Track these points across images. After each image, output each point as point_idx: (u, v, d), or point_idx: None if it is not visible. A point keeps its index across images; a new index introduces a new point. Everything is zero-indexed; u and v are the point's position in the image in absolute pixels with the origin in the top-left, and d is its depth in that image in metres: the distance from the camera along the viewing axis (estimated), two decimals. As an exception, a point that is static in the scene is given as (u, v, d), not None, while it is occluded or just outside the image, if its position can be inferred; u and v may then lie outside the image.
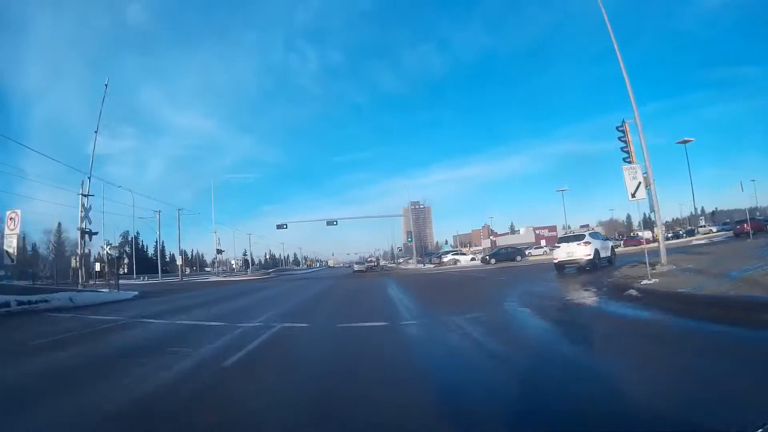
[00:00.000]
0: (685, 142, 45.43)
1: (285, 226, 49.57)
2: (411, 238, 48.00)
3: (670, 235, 49.65)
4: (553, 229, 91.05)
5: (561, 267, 17.85)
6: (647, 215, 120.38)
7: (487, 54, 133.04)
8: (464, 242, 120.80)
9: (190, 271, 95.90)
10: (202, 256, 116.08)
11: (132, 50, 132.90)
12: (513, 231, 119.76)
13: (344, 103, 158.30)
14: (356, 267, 48.38)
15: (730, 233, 38.17)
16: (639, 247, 38.26)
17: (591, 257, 17.02)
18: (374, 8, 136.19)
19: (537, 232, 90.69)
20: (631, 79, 13.45)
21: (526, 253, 49.36)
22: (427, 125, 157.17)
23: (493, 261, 36.42)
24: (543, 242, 64.65)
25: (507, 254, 38.07)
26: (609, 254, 19.08)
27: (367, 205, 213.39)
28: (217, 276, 53.03)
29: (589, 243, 17.38)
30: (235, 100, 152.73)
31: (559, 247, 18.41)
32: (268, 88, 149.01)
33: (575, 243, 17.63)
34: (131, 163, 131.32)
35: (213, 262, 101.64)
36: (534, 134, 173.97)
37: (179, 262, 53.54)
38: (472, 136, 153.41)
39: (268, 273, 59.69)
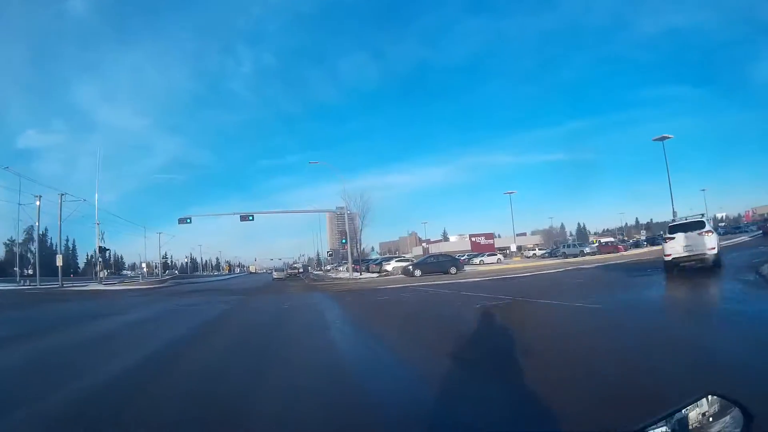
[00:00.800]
0: (662, 138, 39.14)
1: (188, 221, 38.93)
2: (346, 239, 38.18)
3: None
4: (490, 236, 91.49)
5: (674, 266, 13.76)
6: (581, 225, 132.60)
7: (422, 67, 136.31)
8: (392, 250, 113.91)
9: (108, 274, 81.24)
10: (121, 258, 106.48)
11: (67, 42, 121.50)
12: (445, 238, 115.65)
13: (276, 108, 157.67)
14: (275, 274, 42.90)
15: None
16: (618, 253, 37.86)
17: (716, 252, 13.21)
18: (312, 14, 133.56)
19: (473, 239, 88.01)
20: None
21: (474, 261, 42.18)
22: (358, 134, 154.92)
23: (418, 272, 27.60)
24: (493, 251, 60.07)
25: (438, 264, 29.15)
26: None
27: (296, 209, 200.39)
28: (98, 284, 39.17)
29: (711, 233, 13.72)
30: (166, 101, 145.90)
31: (673, 238, 13.97)
32: (199, 90, 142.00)
33: (695, 232, 13.52)
34: (61, 160, 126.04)
35: (133, 266, 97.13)
36: (467, 145, 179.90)
37: (59, 262, 39.23)
38: (403, 145, 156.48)
39: (164, 281, 45.85)
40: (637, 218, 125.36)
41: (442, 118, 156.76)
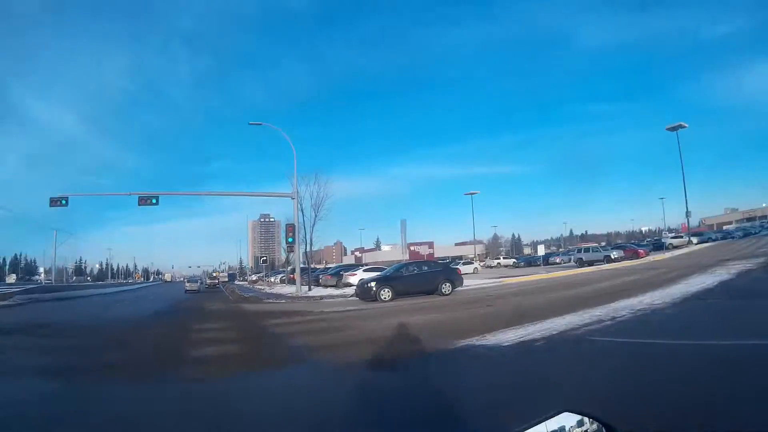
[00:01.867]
0: (677, 128, 35.81)
1: (63, 202, 25.78)
2: (293, 237, 25.03)
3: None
4: (431, 245, 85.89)
5: None
6: (515, 236, 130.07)
7: (358, 75, 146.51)
8: (315, 260, 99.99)
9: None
10: (33, 262, 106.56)
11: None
12: (377, 247, 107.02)
13: (208, 113, 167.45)
14: (188, 286, 37.10)
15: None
16: (642, 259, 28.29)
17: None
18: (253, 17, 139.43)
19: (413, 248, 77.85)
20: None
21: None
22: (291, 140, 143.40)
23: (386, 293, 15.76)
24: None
25: (422, 278, 16.74)
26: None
27: (217, 217, 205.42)
28: None
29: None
30: (97, 100, 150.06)
31: None
32: (130, 89, 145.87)
33: None
34: None
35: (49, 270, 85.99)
36: (397, 155, 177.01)
37: None
38: (333, 153, 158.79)
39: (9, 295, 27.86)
40: (571, 230, 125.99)
41: (374, 128, 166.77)
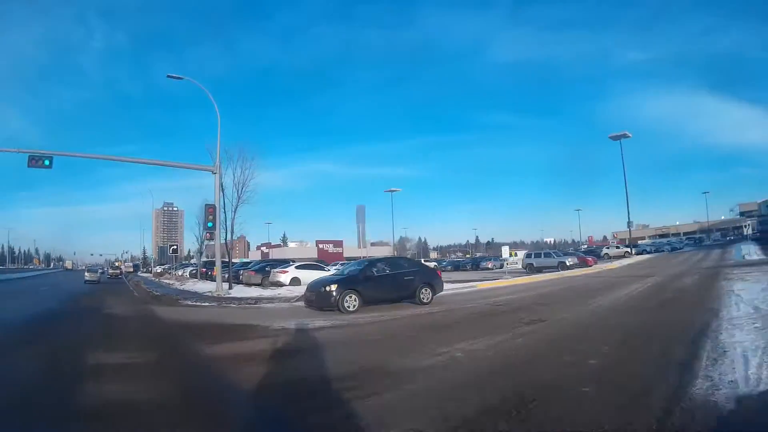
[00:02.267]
0: (620, 137, 35.53)
1: None
2: (212, 222, 19.54)
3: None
4: (339, 243, 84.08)
5: None
6: (422, 239, 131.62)
7: (273, 65, 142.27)
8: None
9: None
10: None
11: None
12: (284, 243, 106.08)
13: (118, 92, 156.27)
14: (87, 275, 34.34)
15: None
16: (591, 267, 26.91)
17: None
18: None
19: (321, 246, 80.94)
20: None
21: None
22: (197, 127, 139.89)
23: (352, 301, 11.57)
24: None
25: (393, 280, 12.48)
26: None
27: (118, 204, 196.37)
28: None
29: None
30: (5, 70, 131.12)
31: None
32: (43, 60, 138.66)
33: None
34: None
35: None
36: (309, 151, 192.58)
37: None
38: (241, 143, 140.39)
39: None
40: (477, 236, 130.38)
41: (287, 121, 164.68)
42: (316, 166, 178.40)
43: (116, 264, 69.99)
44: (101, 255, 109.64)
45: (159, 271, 51.85)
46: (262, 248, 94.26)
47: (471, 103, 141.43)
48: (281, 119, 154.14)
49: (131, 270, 66.42)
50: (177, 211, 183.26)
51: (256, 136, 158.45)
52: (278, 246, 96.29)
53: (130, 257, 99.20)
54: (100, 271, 40.10)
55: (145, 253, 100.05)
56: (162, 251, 69.17)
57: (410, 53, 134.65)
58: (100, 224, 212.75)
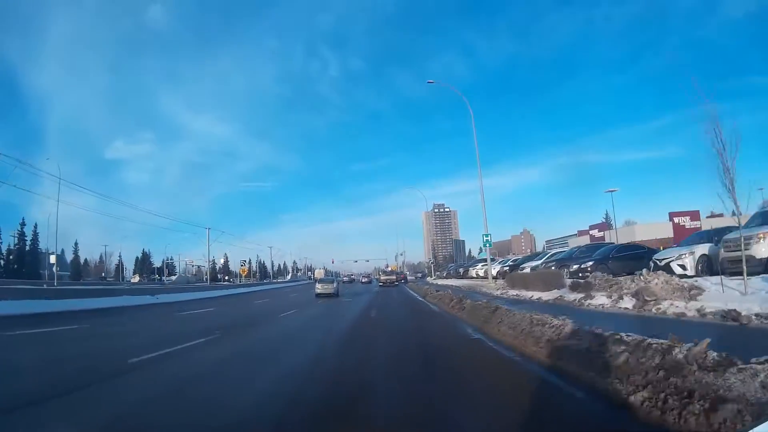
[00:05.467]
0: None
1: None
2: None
3: None
4: (696, 215, 51.95)
5: None
6: None
7: (511, 61, 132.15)
8: (502, 250, 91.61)
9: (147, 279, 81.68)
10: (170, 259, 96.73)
11: (150, 53, 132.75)
12: (607, 223, 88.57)
13: (363, 111, 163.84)
14: (319, 288, 27.18)
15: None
16: None
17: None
18: (397, 14, 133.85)
19: (676, 220, 52.64)
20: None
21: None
22: (447, 135, 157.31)
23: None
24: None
25: None
26: None
27: (384, 214, 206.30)
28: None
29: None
30: (252, 107, 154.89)
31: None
32: (286, 94, 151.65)
33: None
34: (147, 168, 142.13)
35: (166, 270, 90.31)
36: (559, 144, 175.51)
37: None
38: (495, 145, 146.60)
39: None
40: None
41: (533, 115, 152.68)
42: (565, 158, 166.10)
43: (389, 269, 59.87)
44: (368, 261, 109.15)
45: (433, 277, 49.63)
46: (592, 232, 71.95)
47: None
48: (523, 114, 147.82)
49: (396, 278, 48.42)
50: (449, 212, 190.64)
51: (503, 133, 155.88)
52: (598, 227, 74.00)
53: (403, 262, 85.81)
54: (342, 280, 35.77)
55: (427, 256, 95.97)
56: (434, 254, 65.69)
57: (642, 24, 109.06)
58: (362, 235, 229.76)
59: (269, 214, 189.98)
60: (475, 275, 33.89)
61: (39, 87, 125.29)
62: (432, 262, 52.87)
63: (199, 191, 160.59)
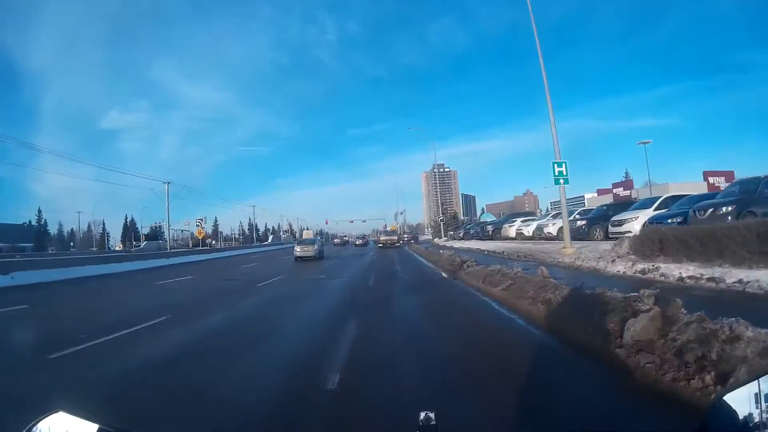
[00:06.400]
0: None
1: None
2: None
3: None
4: (730, 175, 48.32)
5: None
6: None
7: (512, 27, 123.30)
8: (503, 212, 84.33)
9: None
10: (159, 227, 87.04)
11: (145, 21, 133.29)
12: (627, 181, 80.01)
13: (362, 77, 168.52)
14: (298, 250, 24.23)
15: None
16: None
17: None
18: None
19: (711, 179, 49.66)
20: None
21: None
22: (446, 99, 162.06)
23: None
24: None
25: None
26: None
27: (383, 177, 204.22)
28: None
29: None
30: (249, 73, 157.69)
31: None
32: (283, 60, 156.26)
33: None
34: (144, 138, 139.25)
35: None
36: (559, 110, 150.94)
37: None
38: (496, 109, 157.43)
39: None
40: None
41: (533, 82, 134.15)
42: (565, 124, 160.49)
43: (389, 228, 57.71)
44: (365, 221, 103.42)
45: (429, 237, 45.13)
46: (615, 190, 62.58)
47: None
48: (526, 80, 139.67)
49: (398, 239, 45.58)
50: (450, 171, 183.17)
51: (504, 97, 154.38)
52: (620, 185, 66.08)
53: (403, 222, 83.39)
54: (333, 242, 32.11)
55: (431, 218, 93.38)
56: (437, 214, 57.16)
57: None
58: (360, 199, 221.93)
59: (266, 179, 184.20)
60: (514, 235, 23.93)
61: (34, 60, 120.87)
62: (442, 220, 42.10)
63: (197, 158, 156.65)
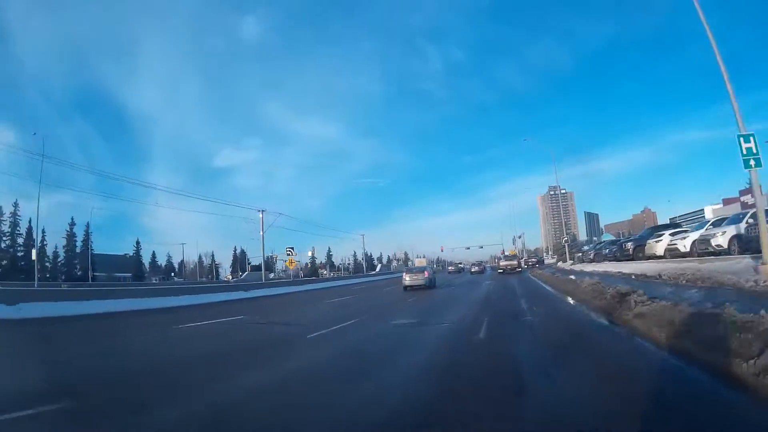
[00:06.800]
0: None
1: None
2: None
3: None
4: None
5: None
6: None
7: (612, 43, 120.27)
8: (622, 232, 78.14)
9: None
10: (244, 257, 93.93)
11: (251, 63, 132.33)
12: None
13: (470, 103, 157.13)
14: (407, 279, 22.17)
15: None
16: None
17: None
18: (493, 3, 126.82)
19: None
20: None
21: None
22: (553, 122, 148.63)
23: None
24: None
25: None
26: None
27: (498, 203, 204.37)
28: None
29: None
30: (359, 108, 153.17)
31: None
32: (391, 92, 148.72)
33: None
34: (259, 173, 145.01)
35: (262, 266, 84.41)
36: (666, 124, 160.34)
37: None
38: (603, 127, 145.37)
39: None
40: None
41: (638, 96, 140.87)
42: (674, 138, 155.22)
43: (508, 253, 53.95)
44: (482, 247, 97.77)
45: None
46: (743, 198, 49.36)
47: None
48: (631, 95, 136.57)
49: (517, 264, 40.00)
50: (566, 193, 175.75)
51: (610, 115, 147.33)
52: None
53: (522, 247, 76.05)
54: (449, 270, 29.80)
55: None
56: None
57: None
58: (471, 227, 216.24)
59: (382, 209, 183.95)
60: (662, 253, 19.01)
61: (142, 103, 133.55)
62: (566, 240, 36.76)
63: (309, 192, 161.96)
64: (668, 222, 70.09)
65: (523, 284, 21.04)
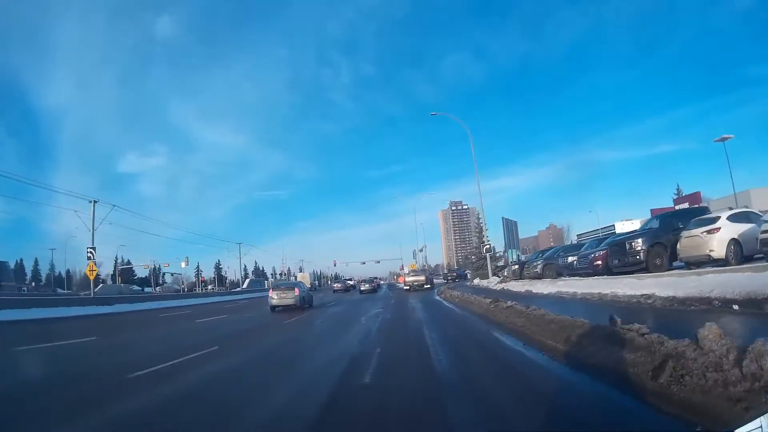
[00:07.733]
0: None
1: None
2: None
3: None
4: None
5: None
6: None
7: (525, 61, 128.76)
8: (528, 247, 75.49)
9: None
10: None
11: (160, 65, 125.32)
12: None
13: (377, 117, 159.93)
14: (274, 298, 19.89)
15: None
16: None
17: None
18: (406, 17, 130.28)
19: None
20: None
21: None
22: (462, 137, 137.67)
23: None
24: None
25: None
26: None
27: (402, 218, 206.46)
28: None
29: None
30: (265, 116, 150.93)
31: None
32: (298, 102, 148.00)
33: None
34: (161, 181, 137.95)
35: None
36: (572, 142, 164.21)
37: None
38: (511, 144, 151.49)
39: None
40: None
41: (546, 114, 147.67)
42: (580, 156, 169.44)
43: (410, 268, 50.35)
44: (378, 262, 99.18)
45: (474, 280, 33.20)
46: (680, 206, 36.26)
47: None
48: (539, 113, 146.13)
49: (425, 281, 34.72)
50: (468, 208, 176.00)
51: (518, 131, 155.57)
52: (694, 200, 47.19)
53: (423, 262, 68.84)
54: (334, 287, 28.62)
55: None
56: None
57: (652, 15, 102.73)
58: (370, 242, 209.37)
59: (283, 222, 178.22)
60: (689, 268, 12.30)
61: (49, 102, 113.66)
62: (488, 250, 29.58)
63: (211, 202, 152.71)
64: (575, 238, 69.33)
65: (434, 311, 14.80)
